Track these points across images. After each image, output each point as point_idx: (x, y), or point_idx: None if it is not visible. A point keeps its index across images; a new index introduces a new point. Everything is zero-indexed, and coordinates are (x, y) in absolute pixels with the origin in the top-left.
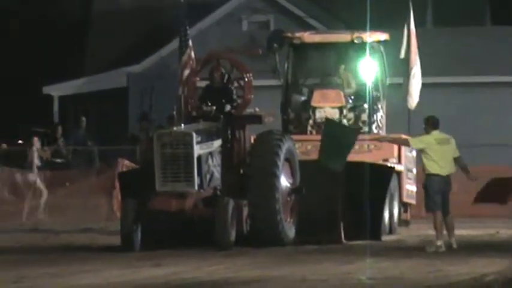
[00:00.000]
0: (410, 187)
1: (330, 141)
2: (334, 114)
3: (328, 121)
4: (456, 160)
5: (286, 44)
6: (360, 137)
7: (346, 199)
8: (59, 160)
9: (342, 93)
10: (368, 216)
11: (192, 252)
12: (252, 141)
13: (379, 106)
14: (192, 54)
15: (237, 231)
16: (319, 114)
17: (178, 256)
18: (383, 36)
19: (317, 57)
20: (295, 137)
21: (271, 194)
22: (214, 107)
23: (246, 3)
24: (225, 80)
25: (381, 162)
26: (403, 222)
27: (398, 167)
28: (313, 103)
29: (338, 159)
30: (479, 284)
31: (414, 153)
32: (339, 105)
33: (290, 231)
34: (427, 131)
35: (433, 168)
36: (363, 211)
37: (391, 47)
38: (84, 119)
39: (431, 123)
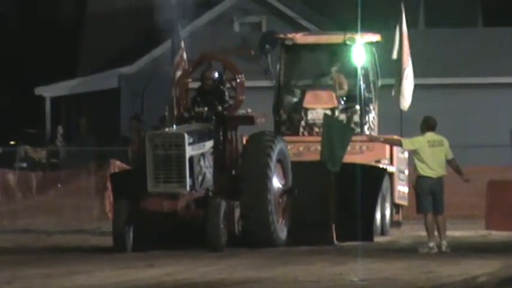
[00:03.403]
0: (402, 188)
1: (328, 136)
2: None
3: (326, 116)
4: (449, 162)
5: (278, 45)
6: (352, 138)
7: (338, 200)
8: (54, 160)
9: (334, 95)
10: (360, 218)
11: (185, 253)
12: (244, 142)
13: (371, 107)
14: (184, 55)
15: (229, 232)
16: (311, 116)
17: (170, 257)
18: (375, 37)
19: (309, 58)
20: (287, 138)
21: (264, 195)
22: (206, 108)
23: (238, 4)
24: (217, 81)
25: (373, 163)
26: (395, 224)
27: (390, 169)
28: (305, 104)
29: (335, 158)
30: (472, 285)
31: (406, 154)
32: (331, 106)
33: (282, 233)
34: (422, 131)
35: (423, 170)
36: (355, 212)
37: (383, 48)
38: (83, 120)
39: (426, 124)
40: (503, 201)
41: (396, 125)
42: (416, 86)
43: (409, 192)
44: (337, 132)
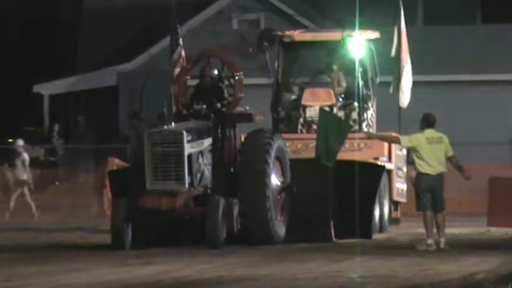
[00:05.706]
0: (400, 185)
1: (323, 130)
2: None
3: (322, 111)
4: (450, 159)
5: (276, 42)
6: (350, 135)
7: (337, 197)
8: (51, 158)
9: (332, 92)
10: (358, 215)
11: (183, 251)
12: (243, 139)
13: (370, 104)
14: (183, 52)
15: (228, 230)
16: (310, 113)
17: (169, 254)
18: (373, 34)
19: (307, 55)
20: (285, 135)
21: (262, 192)
22: (205, 106)
23: (237, 1)
24: (215, 79)
25: (371, 160)
26: (394, 221)
27: (388, 166)
28: (304, 102)
29: (329, 152)
30: (469, 282)
31: (404, 151)
32: (329, 103)
33: (281, 230)
34: (422, 129)
35: (422, 167)
36: (353, 209)
37: (381, 46)
38: (81, 117)
39: (425, 121)
40: (504, 198)
41: (395, 122)
42: (415, 83)
43: (407, 189)
44: (332, 127)
